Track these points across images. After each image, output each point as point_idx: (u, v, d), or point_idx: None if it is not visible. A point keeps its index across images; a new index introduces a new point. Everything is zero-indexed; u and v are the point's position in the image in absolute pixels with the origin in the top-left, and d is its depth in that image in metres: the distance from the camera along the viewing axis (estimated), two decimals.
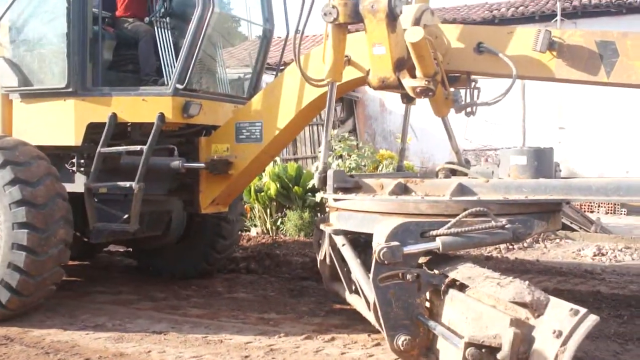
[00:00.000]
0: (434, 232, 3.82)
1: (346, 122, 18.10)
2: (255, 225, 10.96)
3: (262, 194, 10.79)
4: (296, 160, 15.54)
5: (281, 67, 7.26)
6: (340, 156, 10.84)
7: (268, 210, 10.85)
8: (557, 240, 10.06)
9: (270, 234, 10.50)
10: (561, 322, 2.86)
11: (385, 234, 3.80)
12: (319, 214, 9.98)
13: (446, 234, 3.80)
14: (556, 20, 15.03)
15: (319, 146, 14.67)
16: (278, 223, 10.70)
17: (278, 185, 10.66)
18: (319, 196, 10.18)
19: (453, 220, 3.84)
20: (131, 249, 8.18)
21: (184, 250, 7.40)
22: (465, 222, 3.86)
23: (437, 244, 3.78)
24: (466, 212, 3.89)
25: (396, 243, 3.73)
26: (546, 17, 16.28)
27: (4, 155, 5.41)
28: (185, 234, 7.38)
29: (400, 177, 4.83)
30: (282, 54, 7.51)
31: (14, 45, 6.13)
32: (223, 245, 7.34)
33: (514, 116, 15.48)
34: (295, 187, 10.58)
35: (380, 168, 10.59)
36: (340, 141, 11.05)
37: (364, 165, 10.49)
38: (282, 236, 10.29)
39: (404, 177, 4.99)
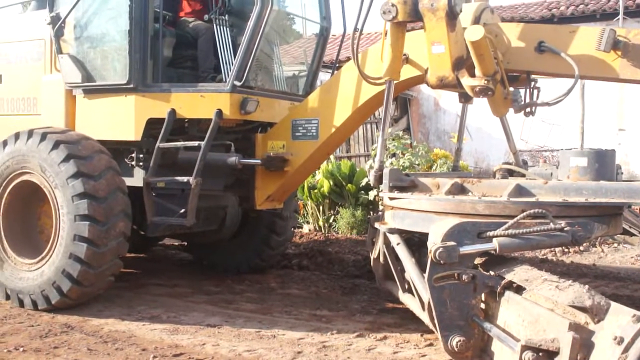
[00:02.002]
0: (491, 233, 3.78)
1: (400, 120, 17.97)
2: (308, 222, 11.00)
3: (315, 191, 10.83)
4: (349, 158, 15.53)
5: (337, 66, 7.28)
6: (394, 155, 10.78)
7: (321, 208, 10.89)
8: (615, 245, 9.80)
9: (323, 232, 10.52)
10: (623, 328, 2.79)
11: (442, 234, 3.78)
12: (371, 212, 9.96)
13: (503, 235, 3.75)
14: (618, 19, 14.62)
15: (373, 144, 14.64)
16: (330, 220, 10.73)
17: (331, 183, 10.69)
18: (371, 194, 10.18)
19: (511, 222, 3.79)
20: (186, 243, 8.31)
21: (238, 245, 7.48)
22: (523, 224, 3.80)
23: (494, 245, 3.73)
24: (524, 213, 3.84)
25: (452, 243, 3.70)
26: (607, 15, 15.85)
27: (67, 149, 5.57)
28: (240, 230, 7.46)
29: (456, 177, 4.80)
30: (339, 52, 7.52)
31: (78, 42, 6.27)
32: (277, 241, 7.40)
33: (572, 117, 15.13)
34: (348, 185, 10.60)
35: (434, 167, 10.50)
36: (394, 140, 10.99)
37: (418, 164, 10.41)
38: (334, 234, 10.31)
39: (459, 177, 4.96)
